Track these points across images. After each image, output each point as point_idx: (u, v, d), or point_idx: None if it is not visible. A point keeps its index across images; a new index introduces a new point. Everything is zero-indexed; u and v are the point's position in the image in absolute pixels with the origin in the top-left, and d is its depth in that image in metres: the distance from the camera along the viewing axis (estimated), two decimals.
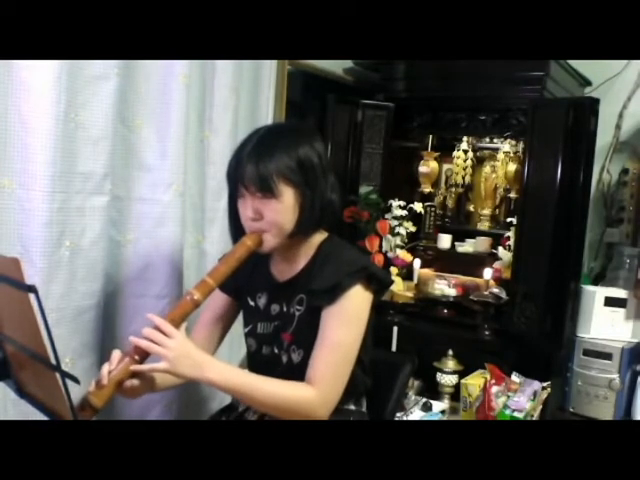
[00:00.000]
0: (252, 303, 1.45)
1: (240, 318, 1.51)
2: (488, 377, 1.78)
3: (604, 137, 2.50)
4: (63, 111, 1.50)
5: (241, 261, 1.29)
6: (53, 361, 0.92)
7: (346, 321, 1.28)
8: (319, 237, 1.38)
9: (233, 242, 1.37)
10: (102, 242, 1.68)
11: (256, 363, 1.46)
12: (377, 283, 1.32)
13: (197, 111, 1.93)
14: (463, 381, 1.88)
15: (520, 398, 1.69)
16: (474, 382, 1.85)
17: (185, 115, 1.81)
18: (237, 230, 1.35)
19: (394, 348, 2.19)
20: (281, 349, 1.37)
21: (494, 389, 1.70)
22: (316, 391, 1.25)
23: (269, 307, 1.42)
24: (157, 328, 1.20)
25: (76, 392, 1.60)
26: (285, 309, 1.38)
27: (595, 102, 2.12)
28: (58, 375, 0.92)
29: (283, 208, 1.26)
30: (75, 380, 0.90)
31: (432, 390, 2.21)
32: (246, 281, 1.45)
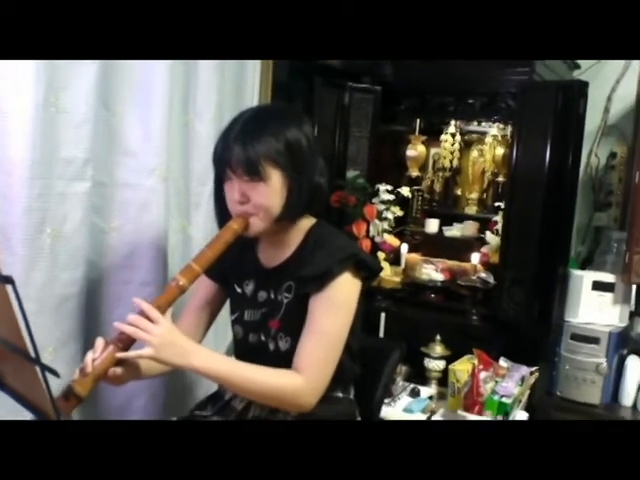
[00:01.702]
0: (239, 290, 1.44)
1: (227, 305, 1.51)
2: (476, 362, 1.79)
3: (592, 121, 2.51)
4: (43, 95, 1.47)
5: (227, 245, 1.28)
6: (32, 354, 0.90)
7: (334, 309, 1.28)
8: (307, 223, 1.38)
9: (219, 226, 1.37)
10: (84, 229, 1.66)
11: (243, 351, 1.45)
12: (366, 270, 1.32)
13: (181, 94, 1.91)
14: (451, 367, 1.90)
15: (508, 383, 1.71)
16: (462, 368, 1.86)
17: (168, 98, 1.79)
18: (223, 214, 1.34)
19: (382, 334, 2.19)
20: (268, 337, 1.37)
21: (482, 375, 1.72)
22: (303, 379, 1.25)
23: (256, 294, 1.41)
24: (143, 314, 1.19)
25: (60, 381, 1.61)
26: (273, 296, 1.38)
27: (584, 85, 2.12)
28: (38, 368, 0.91)
29: (270, 191, 1.25)
30: (55, 374, 0.89)
31: (420, 375, 2.22)
32: (233, 267, 1.44)
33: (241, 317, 1.43)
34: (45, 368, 0.89)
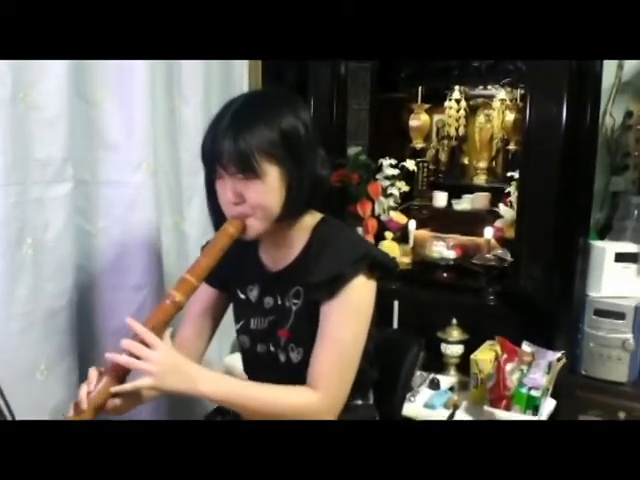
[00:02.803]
0: (243, 296, 1.34)
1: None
2: (499, 351, 1.69)
3: (605, 78, 2.34)
4: (9, 92, 1.35)
5: (224, 251, 1.17)
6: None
7: (349, 316, 1.17)
8: (312, 219, 1.26)
9: (214, 228, 1.25)
10: (69, 234, 1.56)
11: (251, 362, 1.36)
12: (381, 269, 1.20)
13: (164, 78, 1.78)
14: (472, 357, 1.80)
15: (536, 374, 1.61)
16: (484, 357, 1.76)
17: (151, 84, 1.66)
18: (218, 216, 1.22)
19: (396, 322, 2.09)
20: (278, 347, 1.27)
21: (508, 367, 1.62)
22: (320, 395, 1.15)
23: (262, 300, 1.30)
24: (137, 337, 1.08)
25: (55, 407, 1.51)
26: (280, 302, 1.27)
27: None
28: None
29: (267, 189, 1.13)
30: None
31: (437, 361, 2.13)
32: (234, 271, 1.33)
33: (247, 326, 1.33)
34: None
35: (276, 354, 1.27)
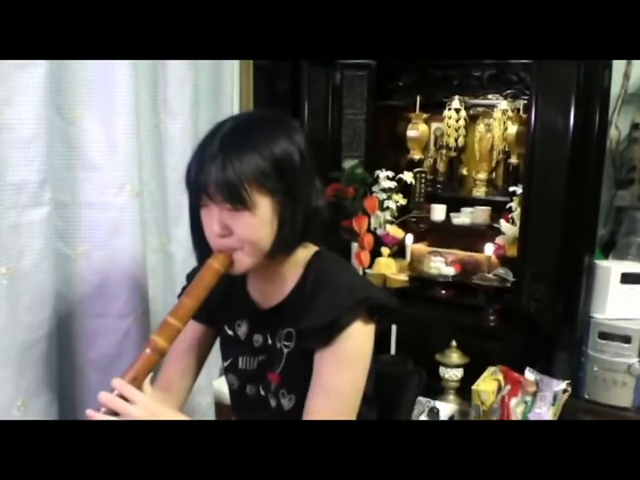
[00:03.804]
0: (230, 332, 1.25)
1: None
2: (502, 381, 1.61)
3: (611, 88, 2.28)
4: None
5: (210, 289, 1.08)
6: None
7: (346, 365, 1.09)
8: (305, 252, 1.17)
9: (198, 261, 1.16)
10: (47, 260, 1.47)
11: (240, 403, 1.28)
12: (381, 312, 1.12)
13: (148, 91, 1.69)
14: (474, 387, 1.72)
15: (541, 409, 1.54)
16: (486, 388, 1.68)
17: (134, 97, 1.57)
18: (202, 248, 1.13)
19: (393, 344, 2.01)
20: (268, 391, 1.19)
21: (513, 402, 1.54)
22: None
23: (251, 337, 1.22)
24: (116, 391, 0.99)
25: None
26: (270, 341, 1.19)
27: None
28: None
29: (258, 222, 1.04)
30: None
31: (435, 381, 2.05)
32: (221, 305, 1.24)
33: (235, 364, 1.25)
34: None
35: (267, 398, 1.19)
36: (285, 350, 1.16)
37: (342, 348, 1.07)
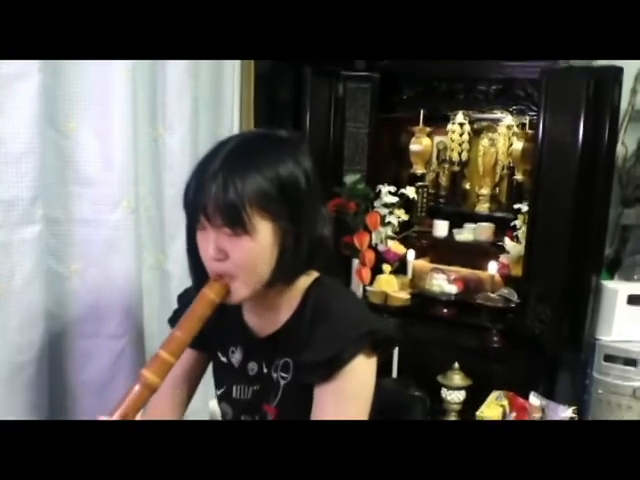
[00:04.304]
0: (224, 359, 1.19)
1: None
2: (507, 407, 1.57)
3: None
4: None
5: (204, 321, 1.01)
6: None
7: (347, 401, 1.03)
8: (305, 279, 1.10)
9: (195, 288, 1.09)
10: (39, 278, 1.42)
11: None
12: (385, 344, 1.07)
13: (147, 103, 1.64)
14: (479, 413, 1.67)
15: None
16: (491, 414, 1.64)
17: (132, 110, 1.53)
18: (199, 272, 1.06)
19: (395, 366, 1.96)
20: None
21: None
22: None
23: (245, 365, 1.16)
24: None
25: None
26: (266, 371, 1.13)
27: (619, 71, 1.85)
28: None
29: (256, 248, 0.98)
30: None
31: (437, 403, 2.00)
32: (214, 330, 1.17)
33: (228, 393, 1.18)
34: None
35: None
36: (282, 382, 1.10)
37: (344, 383, 1.02)
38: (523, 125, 2.26)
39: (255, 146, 1.03)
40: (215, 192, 0.96)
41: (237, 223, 0.96)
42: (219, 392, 1.21)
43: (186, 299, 1.12)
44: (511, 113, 2.23)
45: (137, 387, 0.97)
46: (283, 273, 1.02)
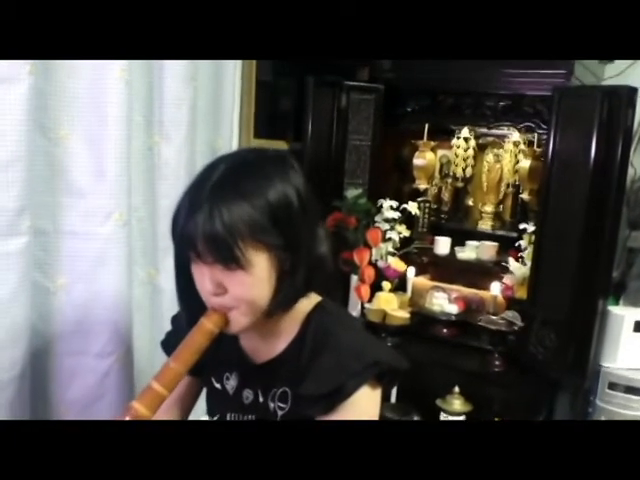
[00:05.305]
0: (218, 385, 1.14)
1: None
2: None
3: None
4: None
5: (201, 352, 0.97)
6: None
7: None
8: (306, 303, 1.05)
9: (187, 324, 1.02)
10: (24, 293, 1.36)
11: None
12: (391, 375, 1.01)
13: (142, 111, 1.58)
14: None
15: None
16: None
17: (126, 118, 1.47)
18: (191, 303, 1.01)
19: (394, 390, 1.90)
20: None
21: None
22: None
23: (240, 393, 1.10)
24: None
25: None
26: (262, 400, 1.07)
27: (633, 92, 1.80)
28: None
29: (254, 281, 0.92)
30: None
31: None
32: (209, 355, 1.11)
33: None
34: None
35: None
36: (279, 412, 1.04)
37: (345, 416, 0.96)
38: (530, 143, 2.20)
39: (243, 170, 0.96)
40: (202, 224, 0.89)
41: (230, 259, 0.90)
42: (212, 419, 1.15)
43: (180, 321, 1.07)
44: (519, 130, 2.18)
45: (126, 419, 0.91)
46: (282, 300, 0.97)
